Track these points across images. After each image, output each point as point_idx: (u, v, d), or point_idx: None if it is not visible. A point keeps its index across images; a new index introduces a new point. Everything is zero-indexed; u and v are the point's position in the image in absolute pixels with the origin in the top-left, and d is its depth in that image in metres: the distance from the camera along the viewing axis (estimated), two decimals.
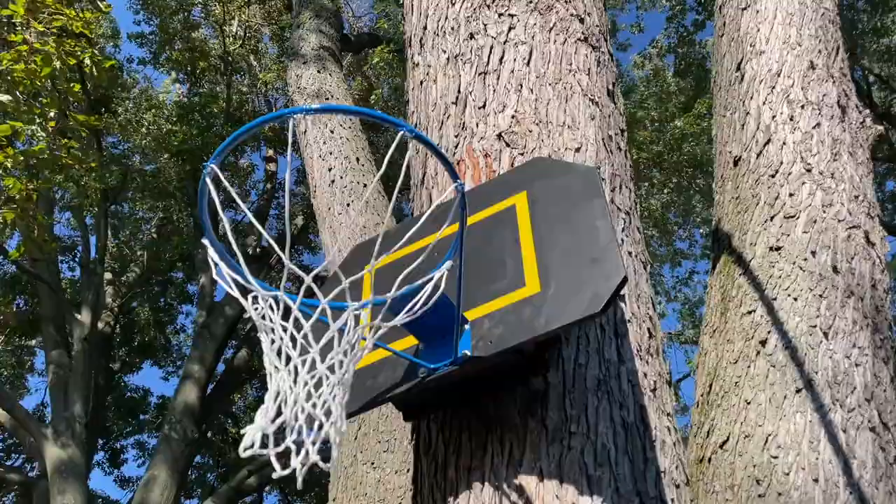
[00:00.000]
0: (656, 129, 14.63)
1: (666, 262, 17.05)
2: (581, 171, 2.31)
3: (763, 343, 3.20)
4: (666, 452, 2.24)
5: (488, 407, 2.22)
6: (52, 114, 4.88)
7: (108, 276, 16.93)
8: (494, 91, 2.76)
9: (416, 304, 1.89)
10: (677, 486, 2.21)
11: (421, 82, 3.02)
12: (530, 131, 2.64)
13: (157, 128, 14.53)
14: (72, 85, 4.77)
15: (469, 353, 2.05)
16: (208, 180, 1.64)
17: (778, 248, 3.57)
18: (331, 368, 1.55)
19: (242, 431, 1.36)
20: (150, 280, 18.43)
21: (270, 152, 17.82)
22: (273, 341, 1.57)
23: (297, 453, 1.46)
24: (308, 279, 1.59)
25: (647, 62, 17.78)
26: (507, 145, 2.63)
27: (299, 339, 1.56)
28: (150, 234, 18.13)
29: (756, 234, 3.75)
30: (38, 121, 4.73)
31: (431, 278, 1.93)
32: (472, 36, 2.89)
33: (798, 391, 2.96)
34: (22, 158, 4.58)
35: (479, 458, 2.17)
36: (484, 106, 2.75)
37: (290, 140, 1.58)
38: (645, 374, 2.33)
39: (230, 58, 16.60)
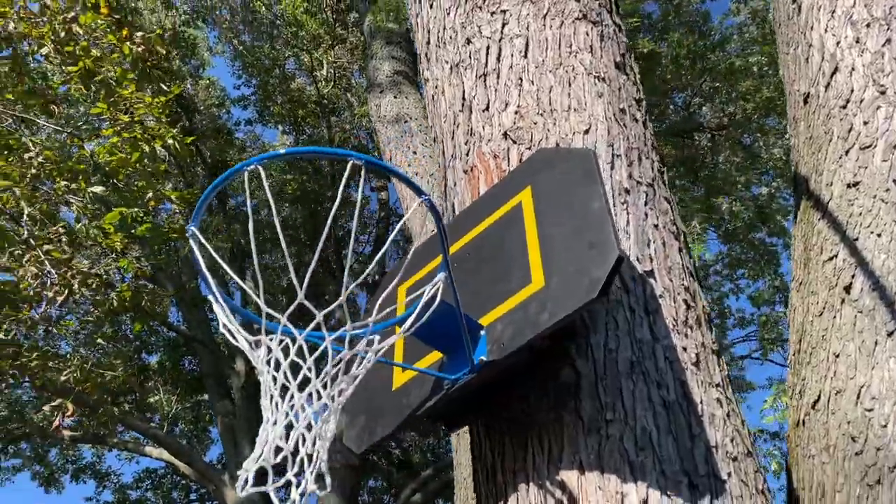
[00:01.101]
0: (764, 75, 13.78)
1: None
2: (578, 154, 2.26)
3: (847, 289, 2.96)
4: (717, 426, 2.13)
5: (523, 406, 2.21)
6: (149, 195, 5.34)
7: None
8: (496, 91, 2.76)
9: (415, 319, 1.93)
10: (734, 459, 2.10)
11: (432, 97, 3.07)
12: (535, 123, 2.62)
13: (274, 179, 15.40)
14: (157, 165, 5.20)
15: (484, 359, 2.06)
16: (192, 243, 1.76)
17: (856, 184, 3.29)
18: (319, 399, 1.62)
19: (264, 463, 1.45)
20: None
21: (379, 182, 18.35)
22: (274, 379, 1.66)
23: (297, 486, 1.55)
24: (319, 316, 1.67)
25: (743, 6, 16.79)
26: (514, 142, 2.61)
27: (285, 378, 1.64)
28: (287, 279, 19.12)
29: (832, 173, 3.48)
30: (137, 203, 5.21)
31: (429, 292, 1.96)
32: (468, 41, 2.90)
33: (890, 334, 2.72)
34: (128, 241, 5.04)
35: (521, 459, 2.16)
36: (487, 108, 2.75)
37: (247, 191, 1.67)
38: (684, 349, 2.24)
39: (325, 100, 17.31)
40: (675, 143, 14.64)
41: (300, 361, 1.65)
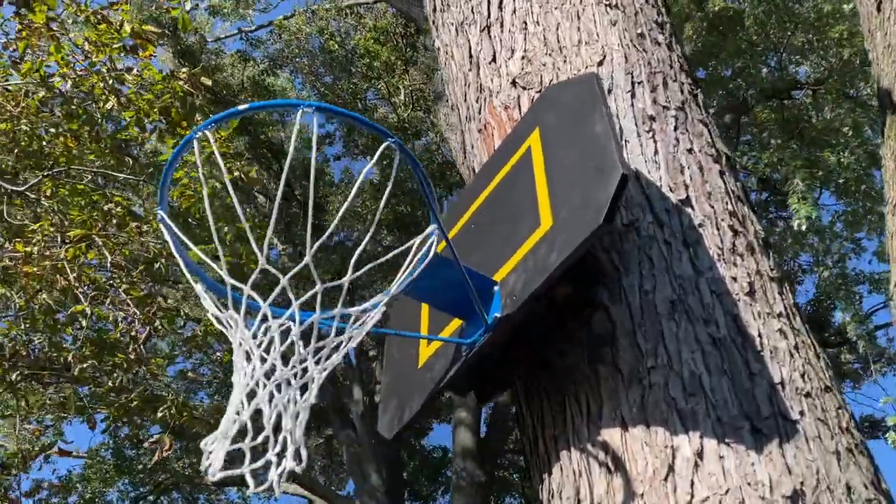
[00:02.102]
0: (856, 14, 12.67)
1: None
2: (580, 82, 2.04)
3: None
4: (781, 360, 1.83)
5: (557, 365, 1.99)
6: (225, 229, 5.46)
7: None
8: (500, 40, 2.56)
9: (410, 280, 1.76)
10: (807, 396, 1.78)
11: (444, 63, 2.90)
12: (544, 65, 2.40)
13: (368, 209, 15.66)
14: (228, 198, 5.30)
15: (498, 316, 1.86)
16: (163, 227, 1.67)
17: None
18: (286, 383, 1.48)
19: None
20: None
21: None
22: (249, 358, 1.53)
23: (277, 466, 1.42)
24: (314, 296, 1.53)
25: None
26: (524, 89, 2.41)
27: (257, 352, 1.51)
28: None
29: None
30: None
31: (421, 251, 1.78)
32: None
33: None
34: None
35: (560, 423, 1.94)
36: (494, 59, 2.56)
37: (198, 160, 1.56)
38: (734, 279, 1.94)
39: (407, 124, 17.48)
40: (774, 105, 13.75)
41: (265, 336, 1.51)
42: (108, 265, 5.14)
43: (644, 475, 1.71)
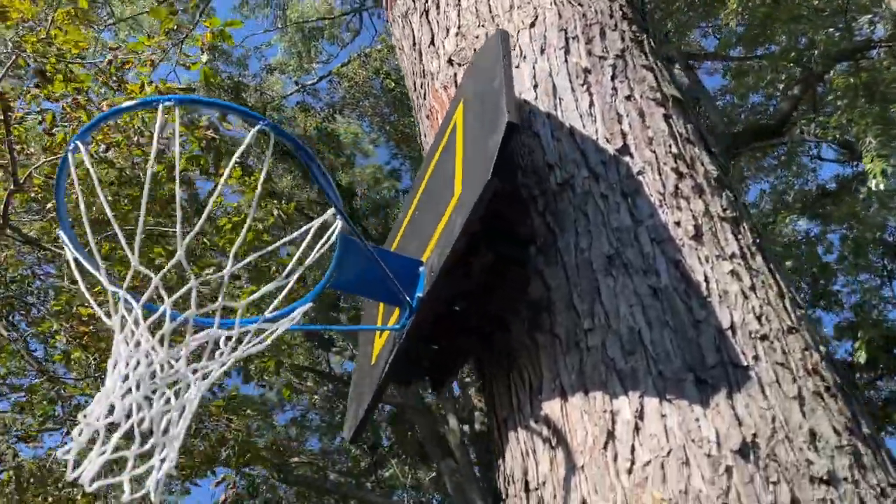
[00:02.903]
0: None
1: None
2: (489, 45, 1.94)
3: None
4: (733, 303, 1.64)
5: (499, 341, 1.86)
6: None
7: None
8: (437, 22, 2.48)
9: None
10: (764, 339, 1.58)
11: (399, 58, 2.85)
12: (476, 37, 2.30)
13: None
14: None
15: (420, 296, 1.76)
16: (70, 157, 1.61)
17: None
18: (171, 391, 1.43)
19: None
20: None
21: None
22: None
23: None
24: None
25: None
26: (460, 65, 2.31)
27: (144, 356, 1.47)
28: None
29: None
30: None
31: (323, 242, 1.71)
32: None
33: None
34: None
35: (507, 403, 1.80)
36: (433, 42, 2.48)
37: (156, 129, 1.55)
38: (678, 223, 1.77)
39: None
40: (849, 69, 12.94)
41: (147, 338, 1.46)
42: None
43: (584, 445, 1.56)
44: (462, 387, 16.38)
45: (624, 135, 1.94)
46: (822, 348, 1.65)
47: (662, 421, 1.49)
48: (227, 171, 1.67)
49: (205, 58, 5.44)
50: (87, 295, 1.54)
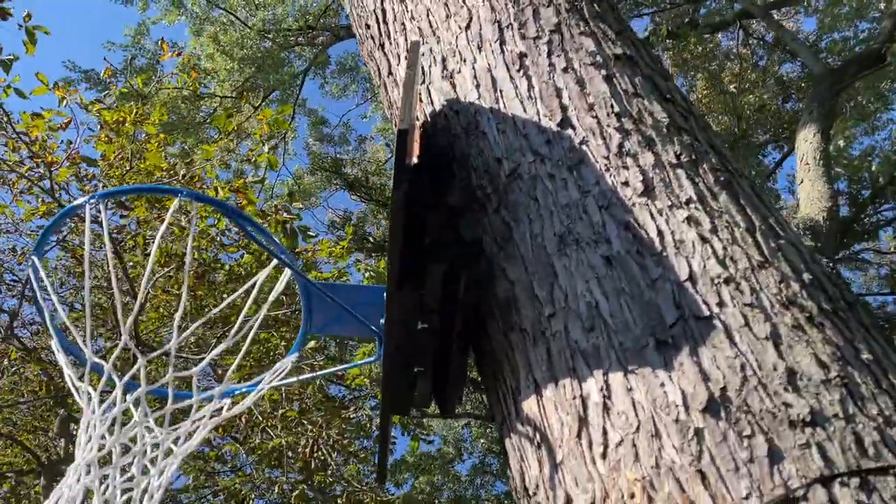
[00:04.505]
0: None
1: None
2: (409, 57, 1.93)
3: None
4: (690, 251, 1.49)
5: (483, 350, 1.80)
6: None
7: None
8: (391, 52, 2.50)
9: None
10: (729, 282, 1.43)
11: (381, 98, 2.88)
12: (422, 54, 2.29)
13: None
14: None
15: (382, 320, 1.74)
16: (31, 273, 1.75)
17: None
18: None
19: None
20: None
21: None
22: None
23: None
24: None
25: None
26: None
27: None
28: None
29: None
30: None
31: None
32: (367, 26, 2.70)
33: None
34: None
35: (499, 410, 1.73)
36: (390, 71, 2.49)
37: (86, 229, 1.68)
38: (626, 183, 1.65)
39: None
40: None
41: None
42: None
43: (561, 438, 1.46)
44: None
45: (564, 108, 1.85)
46: (806, 275, 1.47)
47: (629, 395, 1.38)
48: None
49: (266, 147, 5.76)
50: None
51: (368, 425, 6.00)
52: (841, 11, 12.70)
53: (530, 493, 1.56)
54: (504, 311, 1.71)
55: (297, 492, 5.71)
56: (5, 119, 5.89)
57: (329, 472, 5.62)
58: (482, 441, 17.88)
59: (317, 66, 18.37)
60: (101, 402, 1.58)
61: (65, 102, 5.86)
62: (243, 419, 5.55)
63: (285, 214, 5.49)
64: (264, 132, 5.92)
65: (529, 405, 1.57)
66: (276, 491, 5.60)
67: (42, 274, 1.70)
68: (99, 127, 6.11)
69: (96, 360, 1.54)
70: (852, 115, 12.69)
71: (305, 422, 5.31)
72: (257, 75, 17.28)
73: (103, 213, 1.58)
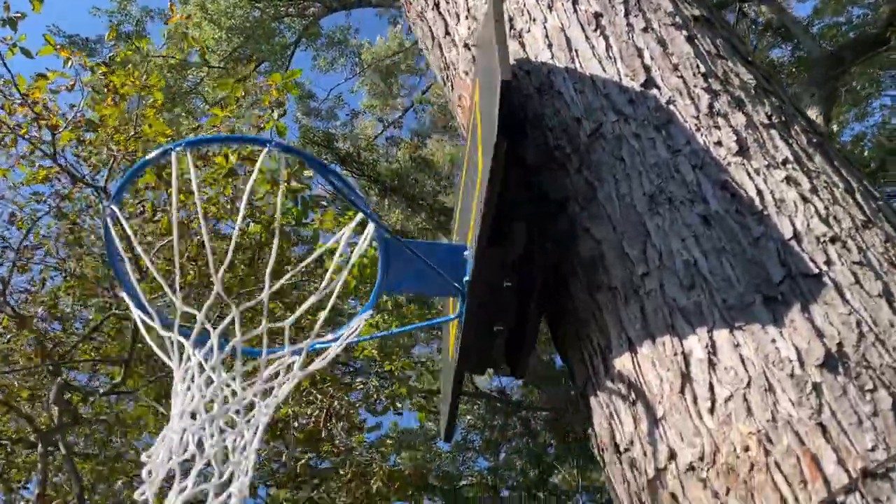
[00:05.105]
0: None
1: None
2: (487, 15, 1.89)
3: None
4: (792, 210, 1.49)
5: (566, 310, 1.79)
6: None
7: None
8: (448, 11, 2.46)
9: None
10: (835, 241, 1.43)
11: (427, 59, 2.84)
12: (486, 14, 2.26)
13: None
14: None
15: (467, 278, 1.73)
16: (109, 221, 1.69)
17: None
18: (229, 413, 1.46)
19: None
20: None
21: None
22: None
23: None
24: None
25: None
26: (475, 46, 2.28)
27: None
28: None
29: None
30: None
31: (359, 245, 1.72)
32: None
33: None
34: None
35: (583, 369, 1.73)
36: (447, 32, 2.45)
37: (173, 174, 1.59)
38: (719, 142, 1.64)
39: None
40: None
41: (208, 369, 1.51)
42: None
43: (661, 394, 1.46)
44: None
45: (647, 68, 1.84)
46: None
47: (737, 351, 1.38)
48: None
49: (276, 114, 5.68)
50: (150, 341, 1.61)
51: (375, 396, 6.01)
52: None
53: (621, 449, 1.56)
54: (589, 270, 1.70)
55: (302, 461, 5.71)
56: (9, 81, 5.73)
57: (336, 442, 5.63)
58: (468, 417, 18.00)
59: (308, 37, 18.14)
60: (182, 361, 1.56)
61: (70, 64, 5.73)
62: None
63: (296, 183, 5.44)
64: (272, 98, 5.84)
65: (623, 363, 1.57)
66: (282, 461, 5.59)
67: (115, 232, 1.66)
68: (104, 90, 5.97)
69: (188, 308, 1.51)
70: (846, 101, 12.80)
71: (315, 391, 5.30)
72: (246, 45, 17.02)
73: (189, 161, 1.54)
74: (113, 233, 1.68)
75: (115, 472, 6.84)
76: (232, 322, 1.51)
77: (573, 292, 1.75)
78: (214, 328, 1.53)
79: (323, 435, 5.40)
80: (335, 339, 1.70)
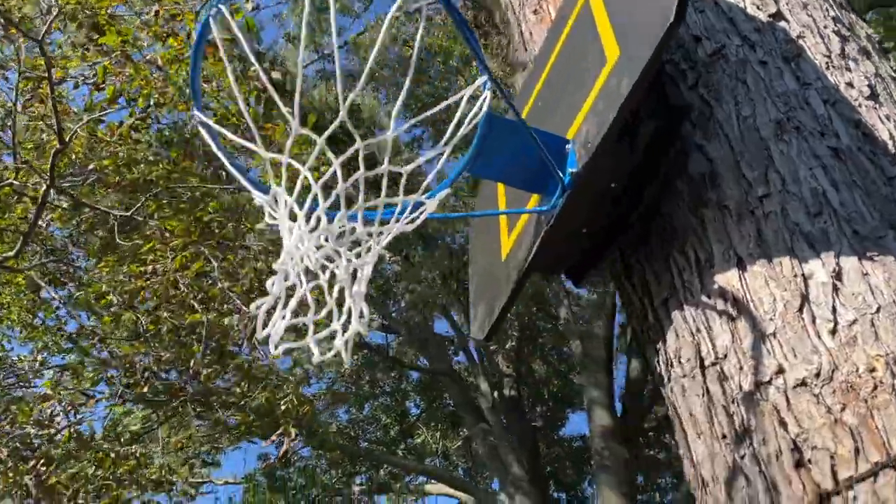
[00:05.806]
0: None
1: None
2: None
3: None
4: None
5: (656, 224, 1.75)
6: None
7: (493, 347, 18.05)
8: None
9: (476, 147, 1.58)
10: None
11: None
12: None
13: None
14: None
15: (574, 171, 1.65)
16: (202, 129, 1.55)
17: None
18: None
19: None
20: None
21: None
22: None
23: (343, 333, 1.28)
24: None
25: None
26: None
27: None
28: None
29: None
30: None
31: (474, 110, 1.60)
32: None
33: None
34: None
35: (667, 285, 1.70)
36: None
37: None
38: (850, 84, 1.65)
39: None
40: None
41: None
42: (216, 272, 5.26)
43: (773, 312, 1.45)
44: (489, 354, 16.30)
45: (776, 0, 1.82)
46: None
47: (865, 280, 1.39)
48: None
49: (249, 6, 5.34)
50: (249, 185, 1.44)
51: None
52: None
53: (707, 362, 1.55)
54: (696, 187, 1.67)
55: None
56: None
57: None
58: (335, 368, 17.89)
59: None
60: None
61: None
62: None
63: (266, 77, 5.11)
64: None
65: (727, 279, 1.55)
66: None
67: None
68: None
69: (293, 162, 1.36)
70: None
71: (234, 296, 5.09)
72: None
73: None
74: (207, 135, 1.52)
75: None
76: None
77: (670, 208, 1.71)
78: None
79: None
80: (429, 198, 1.57)
